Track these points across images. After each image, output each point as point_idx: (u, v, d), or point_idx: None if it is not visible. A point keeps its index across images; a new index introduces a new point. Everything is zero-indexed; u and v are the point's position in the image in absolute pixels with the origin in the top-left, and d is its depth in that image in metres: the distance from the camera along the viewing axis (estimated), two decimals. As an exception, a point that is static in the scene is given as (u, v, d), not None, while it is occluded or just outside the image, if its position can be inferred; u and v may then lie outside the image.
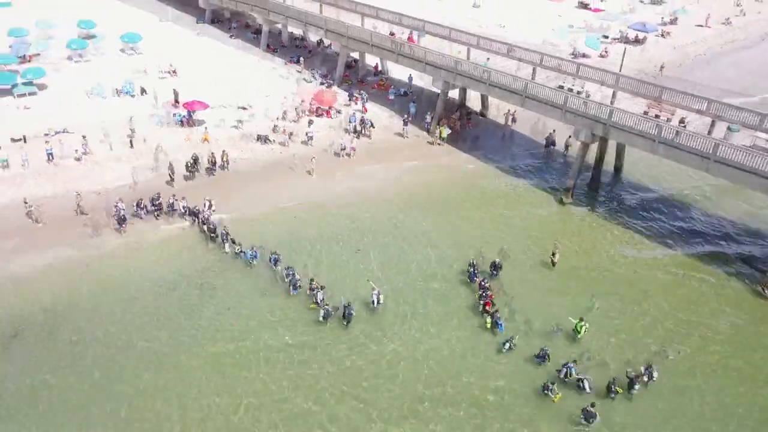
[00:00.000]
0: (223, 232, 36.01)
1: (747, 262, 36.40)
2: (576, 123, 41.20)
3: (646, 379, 27.50)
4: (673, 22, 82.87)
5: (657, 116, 39.50)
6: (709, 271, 35.67)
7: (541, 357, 28.56)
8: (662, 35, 77.65)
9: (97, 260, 34.83)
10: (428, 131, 50.85)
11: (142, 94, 54.10)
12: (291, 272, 32.52)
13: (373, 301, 31.06)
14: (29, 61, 59.36)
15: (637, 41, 74.83)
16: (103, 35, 66.11)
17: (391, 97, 56.10)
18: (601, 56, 69.36)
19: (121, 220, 37.12)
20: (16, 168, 42.19)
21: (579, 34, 74.27)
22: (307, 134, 48.42)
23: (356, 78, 60.73)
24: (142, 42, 64.58)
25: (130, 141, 45.84)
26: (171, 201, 38.99)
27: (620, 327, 31.48)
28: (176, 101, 51.63)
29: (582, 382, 27.24)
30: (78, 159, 43.93)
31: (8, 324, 29.95)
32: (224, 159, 43.52)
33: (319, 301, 30.76)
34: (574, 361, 27.92)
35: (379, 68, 62.12)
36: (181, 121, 49.53)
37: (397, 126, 51.54)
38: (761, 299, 33.76)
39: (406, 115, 51.07)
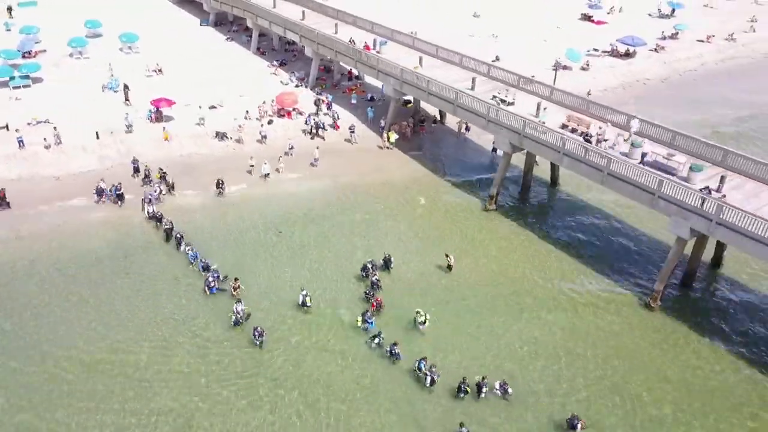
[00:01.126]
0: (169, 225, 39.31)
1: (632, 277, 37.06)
2: (497, 133, 42.61)
3: (499, 393, 28.51)
4: (674, 36, 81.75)
5: (573, 130, 40.32)
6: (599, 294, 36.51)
7: (396, 355, 30.26)
8: (655, 50, 76.87)
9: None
10: (381, 134, 53.03)
11: (125, 90, 58.26)
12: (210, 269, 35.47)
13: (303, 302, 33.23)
14: (34, 56, 64.83)
15: (627, 55, 74.50)
16: (107, 34, 71.17)
17: (354, 101, 58.55)
18: (582, 69, 69.70)
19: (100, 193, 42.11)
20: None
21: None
22: (260, 133, 51.41)
23: (331, 82, 63.44)
24: (139, 42, 69.18)
25: (96, 133, 49.92)
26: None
27: (492, 331, 32.90)
28: (126, 99, 55.47)
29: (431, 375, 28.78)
30: (47, 147, 48.24)
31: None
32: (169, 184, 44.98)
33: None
34: (425, 359, 29.59)
35: (355, 73, 64.62)
36: (150, 117, 53.34)
37: (362, 131, 53.90)
38: (647, 309, 34.35)
39: (351, 124, 53.29)
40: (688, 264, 36.47)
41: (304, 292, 33.31)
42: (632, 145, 37.34)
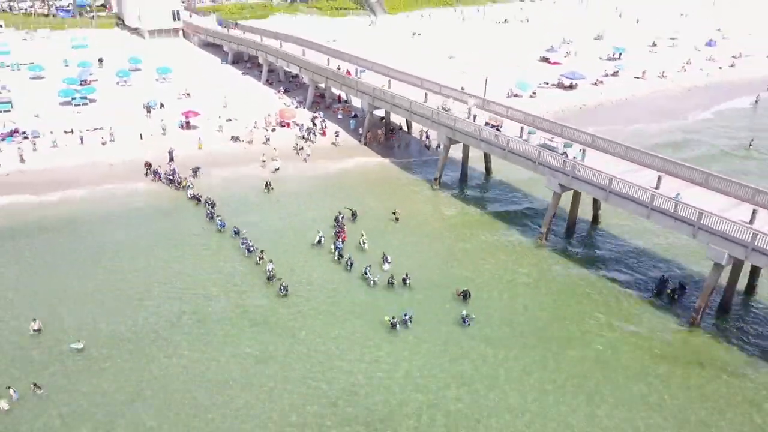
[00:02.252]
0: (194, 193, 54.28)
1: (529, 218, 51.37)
2: (438, 130, 57.91)
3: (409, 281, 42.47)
4: (615, 74, 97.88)
5: (488, 124, 55.22)
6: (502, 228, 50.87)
7: (350, 263, 44.37)
8: (595, 83, 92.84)
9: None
10: (359, 140, 68.50)
11: (161, 107, 74.48)
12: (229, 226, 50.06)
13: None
14: (88, 83, 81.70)
15: (570, 87, 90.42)
16: (146, 69, 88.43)
17: (340, 116, 74.38)
18: (530, 96, 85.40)
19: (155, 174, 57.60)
20: (62, 147, 62.51)
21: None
22: (265, 137, 67.06)
23: (324, 105, 79.49)
24: (171, 74, 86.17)
25: (140, 135, 65.81)
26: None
27: (420, 254, 47.11)
28: (148, 112, 71.73)
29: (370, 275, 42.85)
30: (104, 143, 64.04)
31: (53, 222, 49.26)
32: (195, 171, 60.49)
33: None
34: (370, 266, 43.64)
35: (343, 98, 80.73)
36: (181, 125, 69.29)
37: (343, 137, 69.39)
38: (537, 248, 48.41)
39: (336, 131, 68.92)
40: (569, 217, 50.72)
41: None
42: (528, 133, 52.27)
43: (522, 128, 53.71)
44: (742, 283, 41.80)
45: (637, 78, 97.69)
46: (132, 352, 35.54)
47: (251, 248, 45.64)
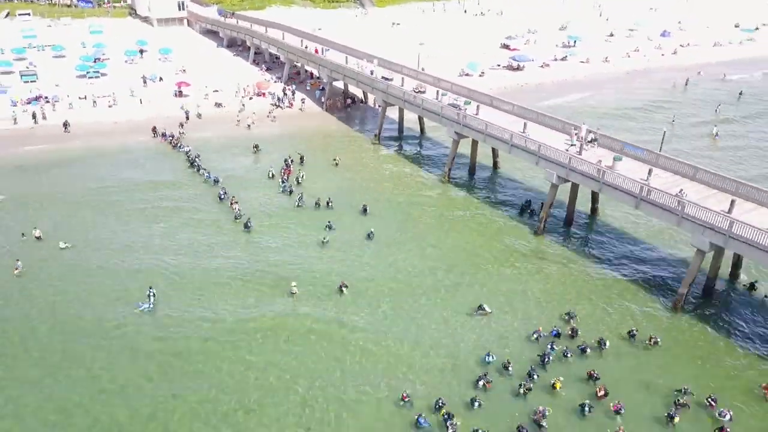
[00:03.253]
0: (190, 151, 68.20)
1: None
2: (376, 94, 71.61)
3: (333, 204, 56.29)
4: (564, 59, 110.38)
5: (417, 90, 68.43)
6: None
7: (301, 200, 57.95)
8: (542, 66, 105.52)
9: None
10: (323, 107, 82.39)
11: (160, 80, 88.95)
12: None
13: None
14: (101, 61, 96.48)
15: (518, 69, 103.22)
16: (151, 50, 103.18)
17: (308, 88, 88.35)
18: (479, 76, 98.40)
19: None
20: (77, 108, 77.15)
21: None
22: (241, 103, 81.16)
23: (299, 80, 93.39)
24: (172, 54, 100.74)
25: (140, 100, 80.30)
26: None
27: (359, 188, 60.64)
28: (145, 82, 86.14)
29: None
30: (110, 106, 78.61)
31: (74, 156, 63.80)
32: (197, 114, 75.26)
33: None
34: (302, 193, 57.29)
35: (316, 74, 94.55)
36: (175, 93, 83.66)
37: (306, 104, 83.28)
38: (442, 183, 61.66)
39: (302, 99, 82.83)
40: (470, 160, 63.95)
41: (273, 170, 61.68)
42: (442, 95, 65.69)
43: (437, 91, 67.01)
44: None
45: (582, 62, 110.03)
46: (114, 252, 49.03)
47: (218, 183, 59.19)
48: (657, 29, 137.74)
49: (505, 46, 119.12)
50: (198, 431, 31.70)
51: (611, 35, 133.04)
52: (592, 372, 35.47)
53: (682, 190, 43.44)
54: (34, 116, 73.62)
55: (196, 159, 64.64)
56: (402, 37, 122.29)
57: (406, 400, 33.41)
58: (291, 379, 35.24)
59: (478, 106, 62.05)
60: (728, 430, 31.45)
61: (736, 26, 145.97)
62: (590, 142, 53.16)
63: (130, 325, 39.57)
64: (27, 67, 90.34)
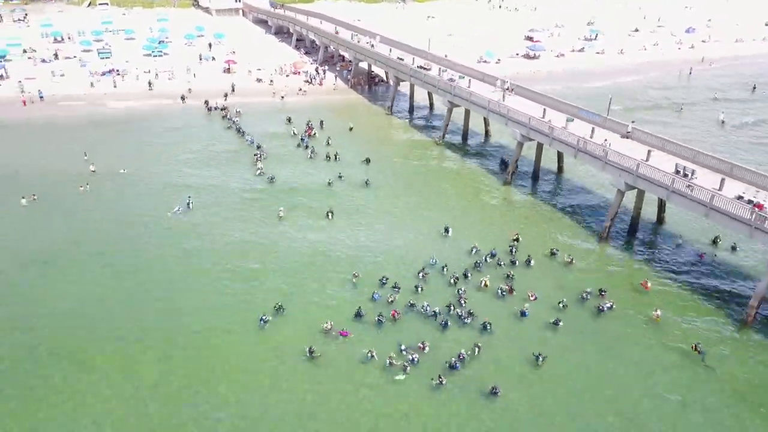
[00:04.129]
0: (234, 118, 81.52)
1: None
2: (389, 71, 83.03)
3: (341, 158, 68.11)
4: (581, 50, 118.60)
5: (421, 67, 79.31)
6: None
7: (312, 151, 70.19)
8: (557, 56, 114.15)
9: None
10: (348, 84, 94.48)
11: (213, 60, 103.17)
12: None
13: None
14: (163, 42, 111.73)
15: (534, 57, 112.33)
16: (207, 34, 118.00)
17: (338, 69, 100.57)
18: (496, 63, 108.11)
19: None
20: (142, 80, 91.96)
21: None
22: (271, 79, 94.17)
23: (332, 62, 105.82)
24: (225, 38, 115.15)
25: (194, 74, 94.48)
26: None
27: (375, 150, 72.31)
28: (200, 59, 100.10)
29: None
30: (169, 79, 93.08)
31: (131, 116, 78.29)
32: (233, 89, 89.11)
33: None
34: (313, 147, 69.38)
35: (347, 57, 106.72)
36: (224, 70, 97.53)
37: (337, 82, 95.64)
38: (435, 146, 72.49)
39: (335, 77, 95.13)
40: (463, 127, 74.47)
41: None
42: (458, 77, 76.36)
43: (439, 69, 77.87)
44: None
45: (598, 53, 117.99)
46: (155, 175, 62.52)
47: (253, 142, 71.57)
48: (683, 26, 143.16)
49: (529, 38, 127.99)
50: (220, 281, 43.99)
51: (636, 30, 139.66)
52: (509, 273, 45.82)
53: (606, 139, 53.04)
54: (114, 82, 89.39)
55: (237, 122, 77.61)
56: (434, 29, 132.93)
57: (356, 277, 44.78)
58: (289, 251, 47.23)
59: (470, 81, 72.55)
60: (605, 309, 41.44)
61: (767, 24, 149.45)
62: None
63: (172, 220, 52.85)
64: (103, 47, 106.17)
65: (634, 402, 34.84)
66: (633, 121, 63.50)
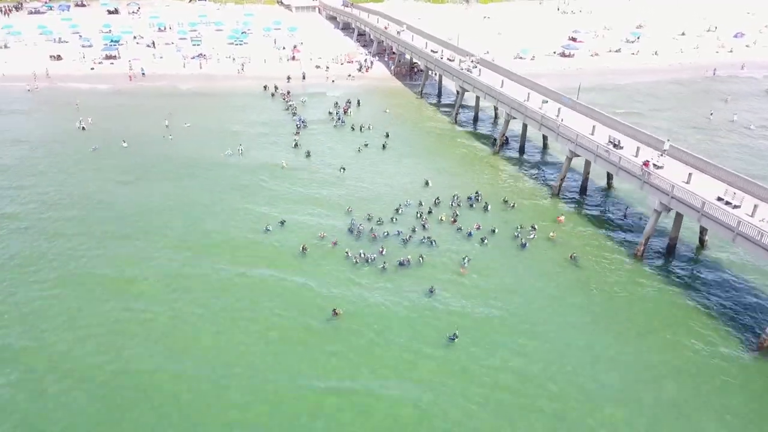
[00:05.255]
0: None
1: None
2: (419, 60, 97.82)
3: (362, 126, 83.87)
4: (618, 51, 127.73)
5: (446, 58, 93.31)
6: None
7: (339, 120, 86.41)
8: (591, 55, 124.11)
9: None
10: (391, 73, 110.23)
11: (283, 49, 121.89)
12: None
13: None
14: (244, 33, 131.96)
15: (568, 56, 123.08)
16: (283, 28, 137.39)
17: (386, 59, 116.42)
18: (531, 59, 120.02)
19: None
20: (224, 64, 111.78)
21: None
22: (326, 66, 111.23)
23: (385, 54, 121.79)
24: (297, 31, 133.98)
25: (264, 60, 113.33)
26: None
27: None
28: (277, 48, 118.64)
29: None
30: (243, 64, 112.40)
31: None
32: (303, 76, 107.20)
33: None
34: (341, 117, 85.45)
35: (394, 50, 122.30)
36: (290, 58, 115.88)
37: (382, 71, 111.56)
38: (450, 127, 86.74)
39: (381, 64, 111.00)
40: (474, 110, 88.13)
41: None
42: (461, 62, 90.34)
43: (458, 59, 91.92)
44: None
45: (633, 54, 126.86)
46: (217, 131, 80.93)
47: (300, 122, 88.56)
48: (733, 30, 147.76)
49: (572, 39, 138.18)
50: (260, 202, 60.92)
51: (682, 34, 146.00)
52: (456, 212, 59.70)
53: (594, 127, 65.69)
54: (200, 65, 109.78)
55: (292, 104, 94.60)
56: (487, 28, 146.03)
57: (350, 210, 60.16)
58: (317, 189, 63.50)
59: (480, 70, 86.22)
60: (527, 244, 54.63)
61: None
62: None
63: (228, 159, 70.93)
64: (196, 36, 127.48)
65: (527, 289, 47.96)
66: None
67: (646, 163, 53.13)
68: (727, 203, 47.98)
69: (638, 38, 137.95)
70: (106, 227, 56.45)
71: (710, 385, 39.10)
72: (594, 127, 63.27)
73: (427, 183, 66.40)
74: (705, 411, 37.13)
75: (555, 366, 40.27)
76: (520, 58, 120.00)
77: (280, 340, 42.46)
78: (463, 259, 51.55)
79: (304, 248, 53.05)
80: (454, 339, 42.14)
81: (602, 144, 59.20)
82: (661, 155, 56.79)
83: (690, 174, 52.07)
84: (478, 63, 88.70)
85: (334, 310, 44.74)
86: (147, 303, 46.03)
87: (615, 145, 59.02)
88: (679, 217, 52.00)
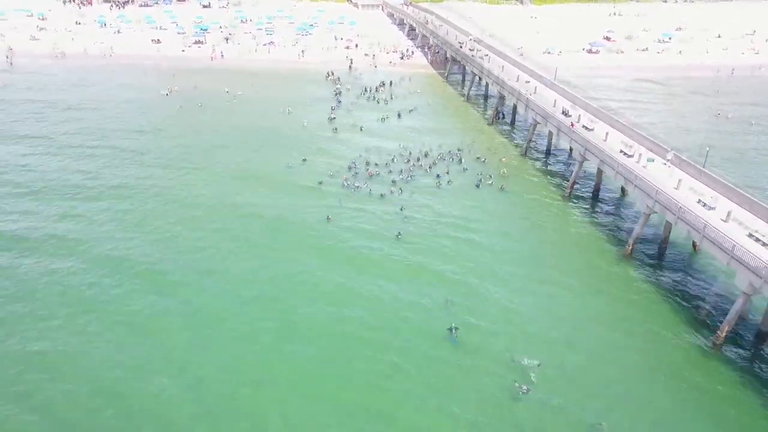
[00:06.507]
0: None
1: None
2: (448, 50, 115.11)
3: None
4: (645, 50, 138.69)
5: (468, 48, 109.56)
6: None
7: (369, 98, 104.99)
8: (617, 53, 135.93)
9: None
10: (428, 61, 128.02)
11: (341, 39, 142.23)
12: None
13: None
14: (311, 26, 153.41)
15: (594, 52, 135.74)
16: (345, 22, 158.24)
17: (426, 50, 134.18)
18: (558, 54, 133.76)
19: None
20: (289, 50, 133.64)
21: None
22: (373, 54, 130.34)
23: (427, 45, 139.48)
24: (357, 24, 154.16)
25: (322, 48, 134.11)
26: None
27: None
28: (335, 39, 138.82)
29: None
30: (303, 51, 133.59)
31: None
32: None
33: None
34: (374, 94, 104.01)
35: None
36: (346, 47, 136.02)
37: (421, 60, 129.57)
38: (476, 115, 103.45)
39: (421, 54, 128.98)
40: (484, 89, 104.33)
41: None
42: (477, 51, 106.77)
43: (475, 49, 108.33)
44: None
45: (658, 53, 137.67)
46: (273, 98, 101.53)
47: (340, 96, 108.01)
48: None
49: (606, 38, 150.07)
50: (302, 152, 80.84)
51: (718, 37, 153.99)
52: (433, 163, 76.89)
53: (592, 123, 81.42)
54: (269, 50, 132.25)
55: (337, 86, 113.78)
56: (530, 27, 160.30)
57: (360, 156, 78.78)
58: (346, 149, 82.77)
59: (489, 56, 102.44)
60: (481, 184, 71.12)
61: None
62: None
63: (281, 116, 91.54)
64: (270, 27, 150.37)
65: (477, 221, 64.62)
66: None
67: (572, 125, 68.46)
68: (626, 154, 62.81)
69: (670, 39, 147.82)
70: (199, 147, 78.52)
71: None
72: (555, 100, 78.84)
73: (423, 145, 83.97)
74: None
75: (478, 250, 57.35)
76: (548, 53, 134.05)
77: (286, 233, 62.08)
78: (438, 180, 69.22)
79: (320, 183, 71.61)
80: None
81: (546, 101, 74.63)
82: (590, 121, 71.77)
83: (607, 132, 67.14)
84: (476, 42, 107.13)
85: (328, 216, 63.40)
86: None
87: (565, 114, 74.34)
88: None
